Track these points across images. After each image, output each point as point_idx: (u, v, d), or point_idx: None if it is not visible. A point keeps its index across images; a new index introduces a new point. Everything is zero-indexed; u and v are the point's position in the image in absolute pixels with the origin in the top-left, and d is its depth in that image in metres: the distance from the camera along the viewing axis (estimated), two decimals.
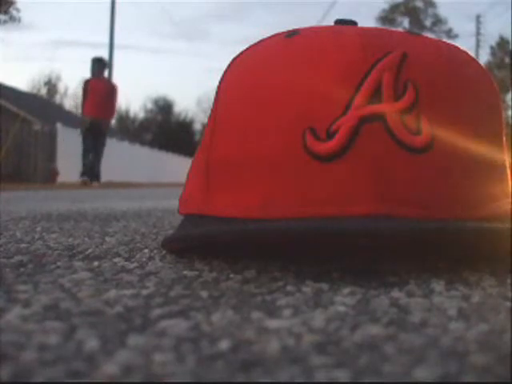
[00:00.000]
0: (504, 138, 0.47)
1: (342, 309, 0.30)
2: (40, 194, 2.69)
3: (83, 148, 5.16)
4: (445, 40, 0.51)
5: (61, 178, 6.42)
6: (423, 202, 0.40)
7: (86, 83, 5.14)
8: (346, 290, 0.34)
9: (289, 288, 0.35)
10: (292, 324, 0.27)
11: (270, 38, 0.49)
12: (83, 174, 5.14)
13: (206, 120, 0.53)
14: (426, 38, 0.47)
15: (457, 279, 0.38)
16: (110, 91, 5.12)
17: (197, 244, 0.46)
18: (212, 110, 0.49)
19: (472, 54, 0.49)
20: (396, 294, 0.34)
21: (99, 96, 5.03)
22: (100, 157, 5.22)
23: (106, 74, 5.38)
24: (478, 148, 0.43)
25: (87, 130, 5.04)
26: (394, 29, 0.49)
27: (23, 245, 0.56)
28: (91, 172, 5.11)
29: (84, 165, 5.17)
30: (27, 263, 0.44)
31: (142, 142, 13.39)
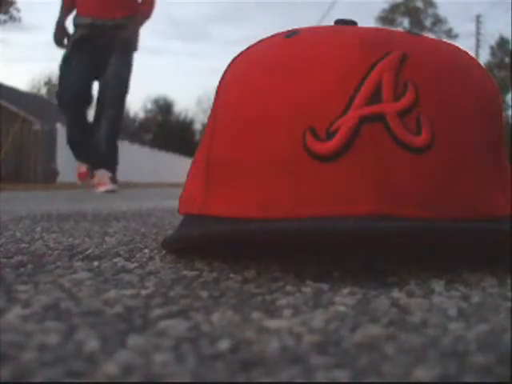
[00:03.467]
0: (504, 138, 0.47)
1: (341, 309, 0.30)
2: (40, 194, 2.69)
3: (64, 86, 2.44)
4: (445, 40, 0.51)
5: (61, 178, 6.42)
6: (423, 202, 0.39)
7: None
8: (346, 290, 0.34)
9: (289, 288, 0.35)
10: (292, 324, 0.27)
11: (269, 38, 0.49)
12: (84, 155, 2.59)
13: (206, 120, 0.53)
14: (427, 38, 0.47)
15: (457, 279, 0.38)
16: None
17: (197, 244, 0.46)
18: (212, 110, 0.49)
19: (472, 54, 0.49)
20: (396, 294, 0.34)
21: None
22: (117, 112, 2.49)
23: None
24: (479, 148, 0.43)
25: (80, 41, 2.46)
26: (394, 29, 0.49)
27: (23, 245, 0.56)
28: (94, 152, 2.54)
29: (73, 133, 2.52)
30: (27, 263, 0.44)
31: (142, 142, 13.39)
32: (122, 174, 3.41)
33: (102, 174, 2.55)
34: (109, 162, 2.57)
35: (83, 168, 2.74)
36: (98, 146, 2.55)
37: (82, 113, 2.55)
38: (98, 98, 2.56)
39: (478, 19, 18.34)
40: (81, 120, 2.54)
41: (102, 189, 2.53)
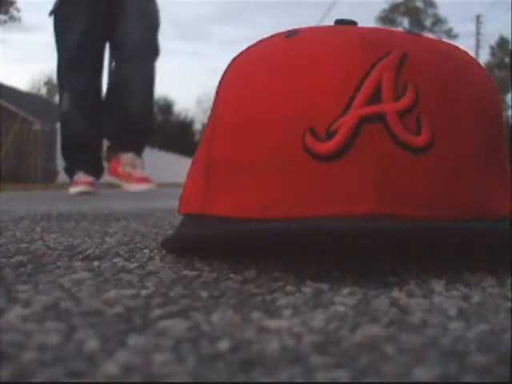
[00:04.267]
0: (504, 138, 0.47)
1: (341, 309, 0.30)
2: (40, 194, 2.69)
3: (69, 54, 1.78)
4: (445, 40, 0.51)
5: (61, 178, 6.42)
6: (423, 202, 0.39)
7: None
8: (346, 290, 0.34)
9: (289, 288, 0.35)
10: (292, 324, 0.27)
11: (269, 38, 0.49)
12: (75, 154, 1.81)
13: (205, 120, 0.53)
14: (426, 38, 0.47)
15: (457, 279, 0.38)
16: None
17: (197, 244, 0.46)
18: (212, 110, 0.49)
19: (472, 54, 0.49)
20: (396, 294, 0.34)
21: None
22: (152, 64, 1.80)
23: None
24: (479, 148, 0.43)
25: None
26: (394, 29, 0.49)
27: (23, 245, 0.56)
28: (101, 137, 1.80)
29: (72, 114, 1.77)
30: (27, 263, 0.44)
31: None
32: None
33: (131, 161, 1.71)
34: (141, 138, 1.67)
35: (87, 178, 1.87)
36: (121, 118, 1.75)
37: (96, 83, 1.79)
38: (116, 53, 1.79)
39: (478, 19, 18.35)
40: (94, 92, 1.78)
41: (134, 187, 1.75)
